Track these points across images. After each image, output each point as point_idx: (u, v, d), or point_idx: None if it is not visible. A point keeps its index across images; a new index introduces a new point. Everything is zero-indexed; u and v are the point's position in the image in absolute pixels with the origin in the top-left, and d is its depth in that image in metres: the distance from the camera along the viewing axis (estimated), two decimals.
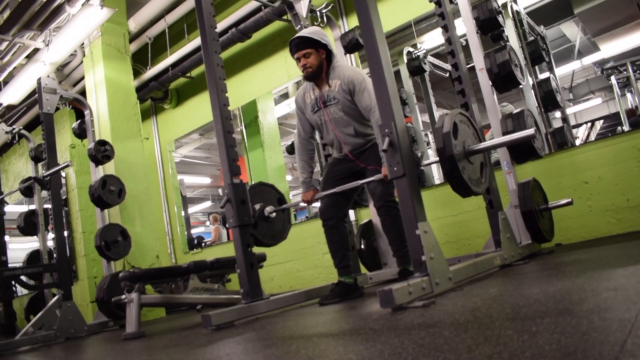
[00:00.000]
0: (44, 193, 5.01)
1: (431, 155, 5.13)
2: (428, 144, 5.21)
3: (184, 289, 3.44)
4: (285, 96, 6.58)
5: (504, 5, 4.02)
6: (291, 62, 5.21)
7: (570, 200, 2.92)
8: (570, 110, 7.36)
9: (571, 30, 6.02)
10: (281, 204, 3.14)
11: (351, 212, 4.10)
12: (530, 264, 2.50)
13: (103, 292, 4.23)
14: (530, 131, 2.19)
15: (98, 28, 5.23)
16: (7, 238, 5.11)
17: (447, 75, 5.07)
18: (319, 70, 2.80)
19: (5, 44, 5.26)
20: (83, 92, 5.61)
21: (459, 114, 2.25)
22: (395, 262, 2.91)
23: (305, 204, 3.03)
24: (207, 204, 13.50)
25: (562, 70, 6.57)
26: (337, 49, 3.96)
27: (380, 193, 2.73)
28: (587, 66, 6.94)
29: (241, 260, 2.63)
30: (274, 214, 3.03)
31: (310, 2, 3.67)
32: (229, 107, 2.81)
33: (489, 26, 3.12)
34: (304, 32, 2.83)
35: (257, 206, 2.95)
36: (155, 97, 6.38)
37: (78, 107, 5.12)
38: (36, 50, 5.24)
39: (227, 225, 9.23)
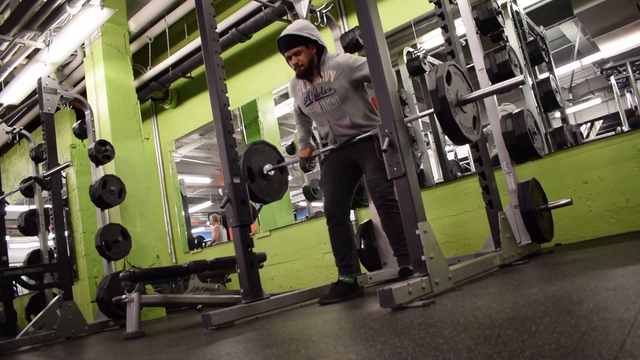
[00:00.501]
0: (45, 193, 5.01)
1: (431, 155, 5.14)
2: (428, 144, 5.21)
3: (184, 289, 3.44)
4: (285, 96, 6.58)
5: (504, 6, 4.02)
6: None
7: (569, 200, 2.92)
8: (569, 111, 7.35)
9: (571, 30, 6.02)
10: (281, 168, 3.21)
11: (351, 212, 4.10)
12: (530, 264, 2.50)
13: (103, 291, 4.23)
14: (519, 78, 2.19)
15: (98, 28, 5.24)
16: (7, 238, 5.12)
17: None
18: (310, 66, 2.80)
19: (5, 44, 5.26)
20: (83, 92, 5.61)
21: (452, 65, 2.25)
22: (396, 261, 2.91)
23: (303, 161, 3.08)
24: (207, 204, 13.50)
25: (562, 71, 6.58)
26: (337, 49, 3.97)
27: (381, 192, 2.73)
28: (586, 66, 6.94)
29: (241, 260, 2.63)
30: (272, 172, 3.07)
31: (310, 2, 3.67)
32: (229, 107, 2.81)
33: (488, 26, 3.12)
34: (291, 29, 2.77)
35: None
36: (156, 97, 6.38)
37: (78, 107, 5.12)
38: (37, 50, 5.24)
39: (227, 225, 9.24)
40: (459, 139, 2.17)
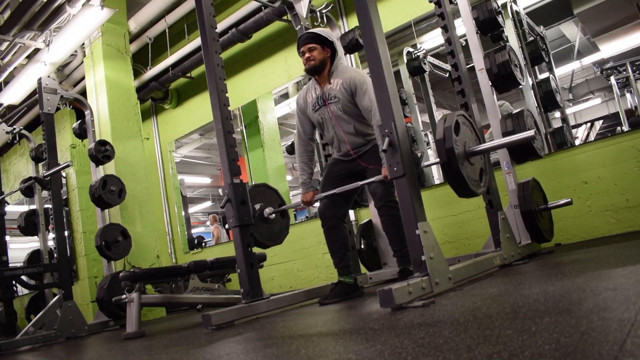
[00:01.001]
0: (45, 193, 5.01)
1: (431, 155, 5.13)
2: (428, 144, 5.21)
3: (184, 289, 3.44)
4: (285, 96, 6.58)
5: (504, 6, 4.02)
6: (291, 62, 5.22)
7: (569, 200, 2.92)
8: (569, 111, 7.36)
9: (571, 30, 6.02)
10: (282, 211, 3.14)
11: (351, 212, 4.11)
12: (530, 264, 2.50)
13: (103, 291, 4.23)
14: (530, 133, 2.19)
15: (98, 28, 5.24)
16: (7, 238, 5.12)
17: (447, 75, 5.08)
18: (321, 65, 2.84)
19: (5, 44, 5.26)
20: (83, 92, 5.61)
21: (461, 115, 2.26)
22: (396, 262, 2.92)
23: (305, 205, 3.03)
24: (208, 204, 13.50)
25: (562, 71, 6.57)
26: (340, 49, 3.97)
27: (381, 193, 2.74)
28: (586, 66, 6.94)
29: (241, 260, 2.63)
30: (273, 215, 3.03)
31: (310, 2, 3.67)
32: (229, 107, 2.81)
33: (488, 26, 3.12)
34: (314, 30, 2.90)
35: (257, 206, 2.95)
36: (156, 97, 6.38)
37: (78, 107, 5.12)
38: (37, 50, 5.24)
39: (226, 226, 9.23)
40: (464, 192, 2.20)
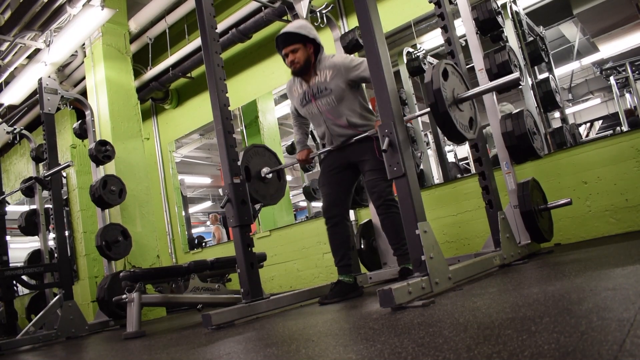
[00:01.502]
0: (45, 193, 5.01)
1: (431, 155, 5.14)
2: (428, 144, 5.21)
3: (184, 289, 3.45)
4: (285, 96, 6.57)
5: (504, 6, 4.02)
6: None
7: (569, 200, 2.92)
8: (569, 111, 7.35)
9: (570, 30, 6.02)
10: (279, 173, 3.20)
11: (351, 212, 4.10)
12: (530, 264, 2.50)
13: (104, 291, 4.24)
14: (515, 74, 2.19)
15: (99, 29, 5.24)
16: (8, 238, 5.13)
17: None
18: (306, 64, 2.80)
19: (6, 44, 5.26)
20: (84, 93, 5.61)
21: (451, 64, 2.25)
22: (396, 261, 2.92)
23: (301, 163, 3.06)
24: (208, 204, 13.50)
25: (562, 71, 6.57)
26: (337, 49, 3.97)
27: (380, 192, 2.74)
28: (586, 66, 6.93)
29: (241, 260, 2.63)
30: (270, 175, 3.06)
31: (310, 2, 3.67)
32: (229, 107, 2.81)
33: (488, 27, 3.12)
34: (289, 28, 2.79)
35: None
36: (156, 97, 6.38)
37: (79, 107, 5.12)
38: (37, 50, 5.25)
39: (227, 225, 9.22)
40: (453, 134, 2.16)
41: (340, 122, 2.82)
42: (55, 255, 4.19)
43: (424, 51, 4.87)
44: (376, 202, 2.78)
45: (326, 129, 2.88)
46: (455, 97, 2.18)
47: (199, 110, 6.25)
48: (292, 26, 2.79)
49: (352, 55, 2.85)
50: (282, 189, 3.24)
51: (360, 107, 2.83)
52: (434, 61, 5.12)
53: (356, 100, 2.82)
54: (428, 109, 2.14)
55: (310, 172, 6.14)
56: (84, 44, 5.59)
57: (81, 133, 5.09)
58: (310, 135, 3.13)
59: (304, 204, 10.36)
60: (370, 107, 2.92)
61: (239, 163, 2.76)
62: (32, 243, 7.40)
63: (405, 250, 2.71)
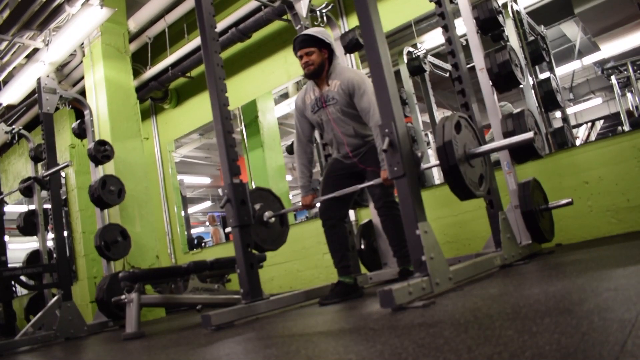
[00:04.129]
0: (44, 193, 5.00)
1: (431, 155, 5.13)
2: (428, 143, 5.21)
3: (183, 289, 3.44)
4: (285, 96, 6.58)
5: (504, 5, 4.02)
6: (291, 62, 5.21)
7: (570, 200, 2.92)
8: (570, 110, 7.35)
9: (571, 30, 6.02)
10: (282, 219, 3.12)
11: (351, 212, 4.09)
12: (531, 264, 2.50)
13: (103, 292, 4.23)
14: (529, 135, 2.17)
15: (98, 28, 5.23)
16: (6, 238, 5.11)
17: (447, 75, 5.07)
18: (320, 68, 2.82)
19: (4, 43, 5.27)
20: (83, 92, 5.60)
21: (463, 117, 2.25)
22: (396, 262, 2.91)
23: (305, 209, 3.01)
24: (207, 204, 13.50)
25: (563, 70, 6.57)
26: (337, 49, 3.96)
27: (380, 193, 2.75)
28: (587, 66, 6.93)
29: (241, 261, 2.63)
30: (273, 220, 3.01)
31: (310, 1, 3.67)
32: (228, 107, 2.81)
33: (489, 26, 3.11)
34: (308, 31, 2.86)
35: (257, 206, 2.93)
36: (155, 97, 6.38)
37: (78, 107, 5.12)
38: (36, 50, 5.24)
39: (226, 230, 9.22)
40: (467, 197, 2.18)
41: (347, 131, 2.83)
42: (54, 255, 4.18)
43: (424, 50, 4.87)
44: (377, 204, 2.78)
45: (333, 136, 2.90)
46: (467, 153, 2.17)
47: (198, 110, 6.24)
48: (311, 30, 2.86)
49: (364, 76, 2.83)
50: (284, 235, 3.16)
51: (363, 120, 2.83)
52: (435, 60, 5.13)
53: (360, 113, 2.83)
54: (437, 162, 2.14)
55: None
56: (82, 43, 5.59)
57: (80, 133, 5.08)
58: (311, 138, 3.09)
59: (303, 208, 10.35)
60: None
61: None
62: (30, 243, 7.38)
63: (405, 252, 2.71)
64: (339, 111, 2.81)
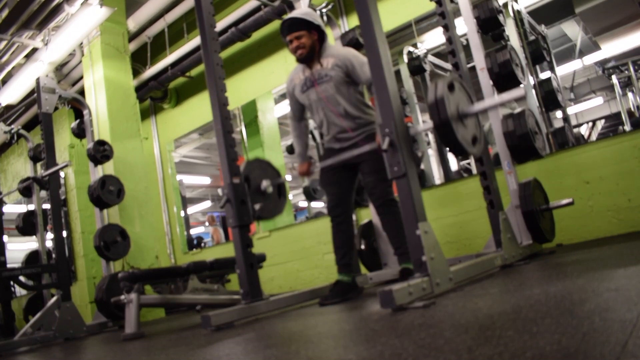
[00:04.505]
0: (43, 193, 5.00)
1: (432, 155, 5.12)
2: (429, 143, 5.20)
3: (183, 290, 3.43)
4: (285, 96, 6.56)
5: (505, 5, 4.01)
6: (291, 62, 5.20)
7: (571, 200, 2.92)
8: (571, 110, 7.35)
9: (572, 29, 6.02)
10: (280, 189, 3.12)
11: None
12: (531, 265, 2.50)
13: (102, 292, 4.22)
14: (521, 91, 2.13)
15: (97, 27, 5.23)
16: (5, 238, 5.11)
17: (448, 74, 5.06)
18: (311, 51, 2.80)
19: (3, 43, 5.26)
20: (82, 92, 5.60)
21: (454, 78, 2.22)
22: (396, 261, 2.90)
23: (302, 176, 3.02)
24: (207, 204, 13.50)
25: (563, 70, 6.57)
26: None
27: (379, 192, 2.74)
28: (588, 66, 6.93)
29: (241, 261, 2.62)
30: (271, 189, 2.97)
31: (310, 1, 3.66)
32: (228, 106, 2.80)
33: (489, 25, 3.11)
34: (295, 13, 2.81)
35: (255, 176, 2.91)
36: (155, 96, 6.37)
37: (77, 106, 5.12)
38: (35, 49, 5.24)
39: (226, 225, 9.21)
40: (461, 153, 2.15)
41: (337, 111, 2.80)
42: (53, 255, 4.18)
43: (424, 50, 4.86)
44: (376, 202, 2.78)
45: (324, 116, 2.86)
46: (460, 112, 2.16)
47: (198, 109, 6.24)
48: (297, 12, 2.82)
49: (354, 51, 2.83)
50: (281, 205, 3.15)
51: (357, 98, 2.82)
52: (435, 60, 5.12)
53: (353, 91, 2.81)
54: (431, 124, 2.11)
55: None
56: (82, 43, 5.58)
57: (79, 133, 5.08)
58: (310, 135, 3.09)
59: (304, 204, 10.35)
60: (370, 103, 2.91)
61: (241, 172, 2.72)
62: (29, 243, 7.37)
63: (405, 249, 2.69)
64: (332, 88, 2.77)
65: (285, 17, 2.81)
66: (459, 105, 2.15)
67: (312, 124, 3.68)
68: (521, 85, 2.13)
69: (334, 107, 2.80)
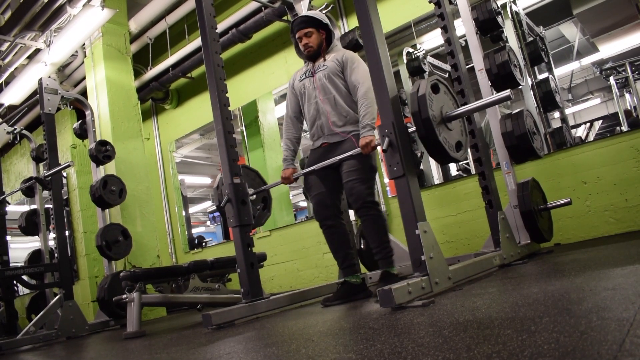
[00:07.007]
0: (45, 193, 5.01)
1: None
2: None
3: (184, 289, 3.45)
4: (285, 96, 6.57)
5: (503, 6, 4.02)
6: (291, 63, 5.22)
7: (569, 200, 2.93)
8: (569, 111, 7.35)
9: (570, 30, 6.02)
10: (266, 200, 3.11)
11: (351, 212, 4.10)
12: (529, 264, 2.50)
13: (104, 291, 4.24)
14: (506, 92, 2.07)
15: (99, 29, 5.24)
16: (8, 238, 5.12)
17: (447, 75, 5.08)
18: (319, 49, 2.87)
19: (6, 44, 5.27)
20: (84, 93, 5.61)
21: (438, 79, 2.21)
22: (378, 264, 2.73)
23: (284, 182, 2.91)
24: (208, 203, 13.50)
25: (561, 71, 6.56)
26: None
27: (358, 194, 2.62)
28: (586, 67, 6.93)
29: (241, 260, 2.63)
30: (254, 197, 2.94)
31: (310, 2, 3.68)
32: (229, 107, 2.82)
33: (488, 27, 3.12)
34: (306, 13, 2.90)
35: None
36: (156, 97, 6.38)
37: (79, 107, 5.13)
38: (37, 50, 5.25)
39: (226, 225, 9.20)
40: (445, 161, 2.14)
41: (327, 100, 2.78)
42: (56, 255, 4.19)
43: (424, 51, 4.87)
44: (355, 205, 2.66)
45: (315, 105, 2.83)
46: (444, 115, 2.14)
47: (199, 110, 6.25)
48: (309, 12, 2.91)
49: (357, 55, 2.85)
50: (263, 218, 3.15)
51: (347, 93, 2.78)
52: (434, 61, 5.13)
53: (344, 87, 2.79)
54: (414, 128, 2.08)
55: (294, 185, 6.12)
56: (84, 44, 5.60)
57: (81, 133, 5.09)
58: (299, 116, 3.04)
59: (304, 204, 10.35)
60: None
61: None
62: (32, 243, 7.39)
63: (386, 253, 2.62)
64: (325, 77, 2.80)
65: (289, 17, 2.84)
66: (443, 107, 2.15)
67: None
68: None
69: (325, 96, 2.79)
